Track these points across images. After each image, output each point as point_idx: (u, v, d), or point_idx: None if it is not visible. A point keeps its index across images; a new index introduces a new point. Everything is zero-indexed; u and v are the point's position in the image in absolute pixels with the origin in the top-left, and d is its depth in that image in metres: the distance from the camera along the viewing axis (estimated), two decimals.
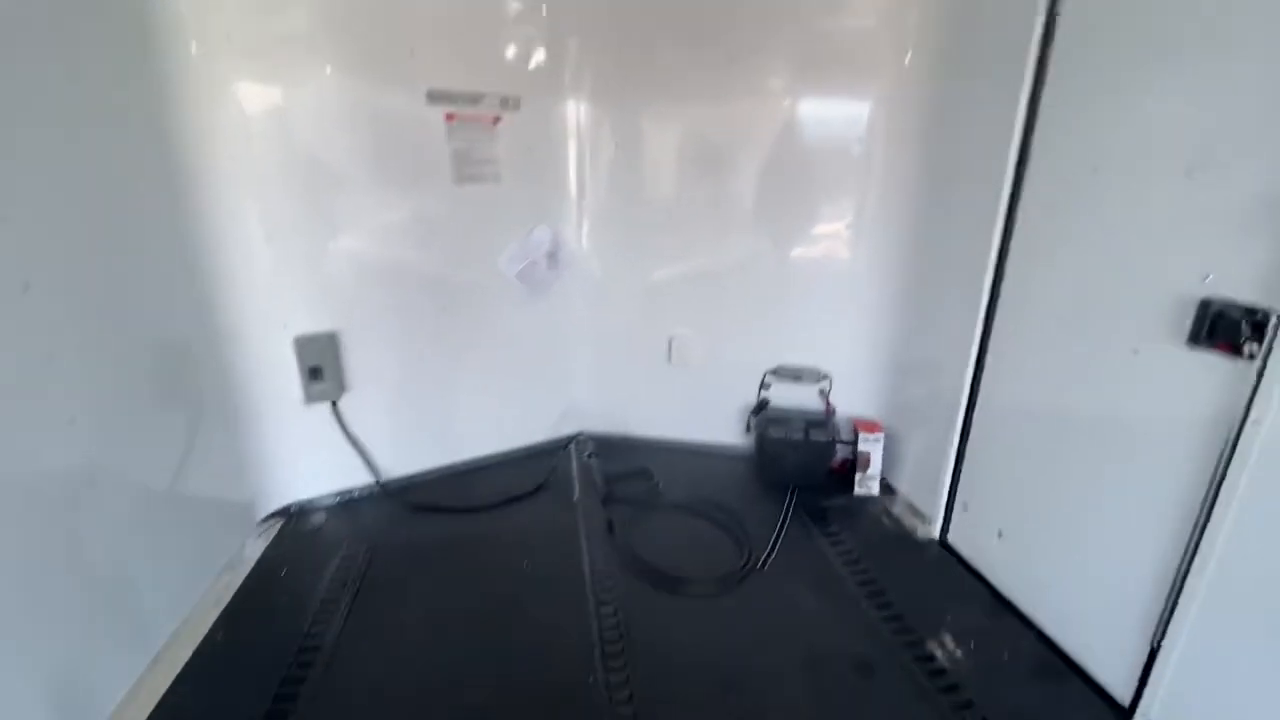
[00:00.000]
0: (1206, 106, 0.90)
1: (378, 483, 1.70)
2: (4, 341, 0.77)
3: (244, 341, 1.43)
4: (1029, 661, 1.18)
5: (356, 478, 1.68)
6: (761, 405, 1.90)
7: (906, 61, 1.54)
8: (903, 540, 1.57)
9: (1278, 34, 0.82)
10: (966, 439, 1.45)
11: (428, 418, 1.77)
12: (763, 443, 1.81)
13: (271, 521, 1.57)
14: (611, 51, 1.67)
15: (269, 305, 1.45)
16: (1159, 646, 0.98)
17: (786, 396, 1.89)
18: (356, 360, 1.59)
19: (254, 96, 1.32)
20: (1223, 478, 0.88)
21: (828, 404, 1.85)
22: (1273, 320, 0.81)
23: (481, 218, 1.68)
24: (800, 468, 1.77)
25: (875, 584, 1.37)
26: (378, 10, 1.42)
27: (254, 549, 1.46)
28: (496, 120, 1.64)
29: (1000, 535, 1.34)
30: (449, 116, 1.57)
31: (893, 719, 1.07)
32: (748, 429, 1.90)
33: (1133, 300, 1.01)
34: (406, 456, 1.75)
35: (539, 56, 1.63)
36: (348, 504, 1.67)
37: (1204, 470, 0.91)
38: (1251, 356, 0.83)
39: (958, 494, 1.49)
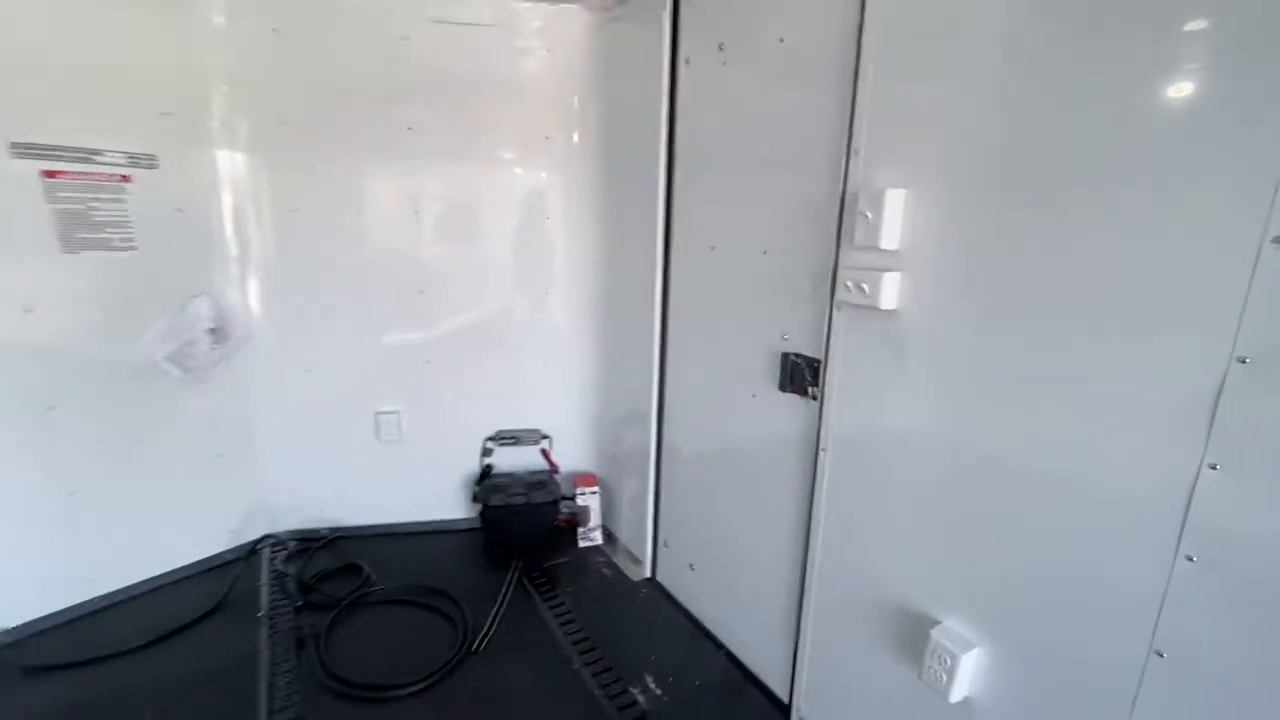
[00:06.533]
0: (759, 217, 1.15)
1: None
2: None
3: None
4: (717, 681, 1.30)
5: None
6: (485, 473, 1.86)
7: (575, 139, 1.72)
8: (620, 586, 1.64)
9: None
10: (660, 481, 1.58)
11: (50, 546, 1.37)
12: (485, 511, 1.76)
13: None
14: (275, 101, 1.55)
15: None
16: (798, 646, 1.15)
17: (511, 460, 1.88)
18: None
19: None
20: (814, 491, 1.08)
21: (550, 463, 1.89)
22: (822, 367, 1.03)
23: (110, 293, 1.39)
24: (525, 531, 1.75)
25: (588, 640, 1.40)
26: None
27: None
28: (125, 179, 1.39)
29: (692, 568, 1.48)
30: (50, 174, 1.29)
31: None
32: (474, 499, 1.84)
33: (746, 356, 1.22)
34: (16, 602, 1.33)
35: (175, 103, 1.44)
36: None
37: (805, 487, 1.11)
38: (814, 398, 1.05)
39: (659, 533, 1.61)
